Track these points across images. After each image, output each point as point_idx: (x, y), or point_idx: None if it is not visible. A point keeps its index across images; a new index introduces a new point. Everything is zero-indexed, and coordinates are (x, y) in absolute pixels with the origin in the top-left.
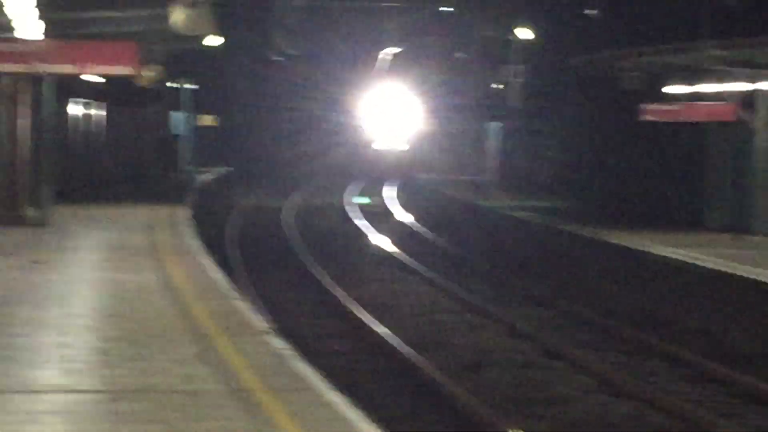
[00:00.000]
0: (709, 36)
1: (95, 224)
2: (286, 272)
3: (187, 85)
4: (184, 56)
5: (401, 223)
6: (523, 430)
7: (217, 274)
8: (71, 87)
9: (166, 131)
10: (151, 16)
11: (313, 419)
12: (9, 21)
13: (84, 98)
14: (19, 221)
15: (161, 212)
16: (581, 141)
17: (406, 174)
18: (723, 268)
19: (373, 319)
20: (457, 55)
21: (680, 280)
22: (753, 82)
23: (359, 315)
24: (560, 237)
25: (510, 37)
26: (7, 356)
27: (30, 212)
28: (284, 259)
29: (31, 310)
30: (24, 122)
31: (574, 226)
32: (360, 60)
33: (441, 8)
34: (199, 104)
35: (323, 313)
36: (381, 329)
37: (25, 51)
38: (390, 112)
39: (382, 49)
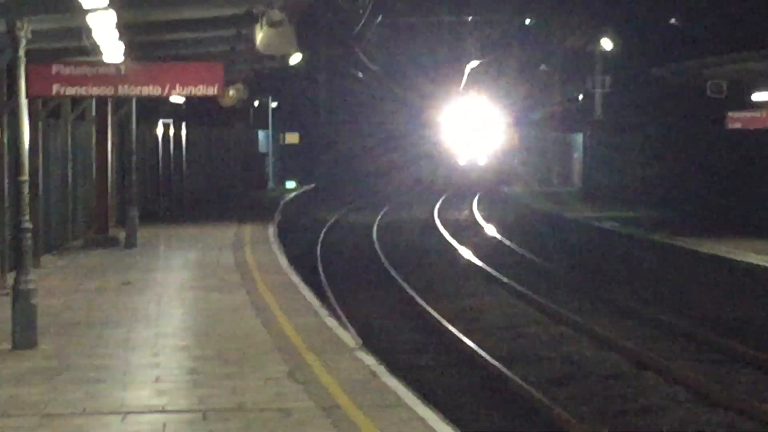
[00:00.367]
0: None
1: (183, 244)
2: (373, 287)
3: (271, 104)
4: (266, 74)
5: (486, 236)
6: None
7: (306, 291)
8: (157, 108)
9: (253, 149)
10: (235, 37)
11: None
12: (94, 45)
13: (170, 119)
14: (108, 243)
15: (248, 230)
16: (666, 151)
17: (490, 187)
18: None
19: (460, 334)
20: (540, 67)
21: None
22: None
23: (448, 329)
24: (646, 247)
25: (592, 48)
26: (100, 377)
27: (118, 233)
28: (371, 273)
29: (123, 331)
30: (112, 143)
31: (661, 235)
32: (443, 74)
33: (524, 20)
34: (282, 122)
35: (412, 327)
36: (469, 343)
37: (111, 74)
38: (472, 125)
39: (465, 63)
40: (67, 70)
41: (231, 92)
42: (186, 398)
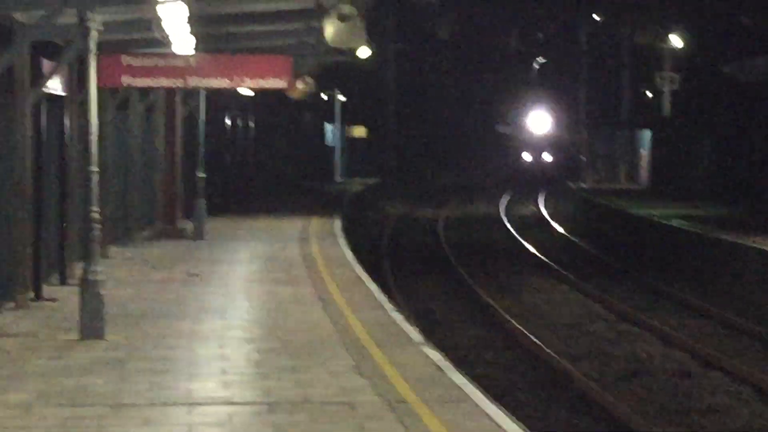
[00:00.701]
0: None
1: (250, 236)
2: (439, 280)
3: (338, 97)
4: (334, 68)
5: (552, 232)
6: None
7: (371, 285)
8: (226, 101)
9: (321, 143)
10: (303, 30)
11: (470, 430)
12: (164, 36)
13: (238, 111)
14: (175, 234)
15: (315, 223)
16: (736, 148)
17: (557, 182)
18: None
19: (525, 330)
20: (608, 63)
21: None
22: None
23: (513, 325)
24: (715, 245)
25: (662, 45)
26: (167, 369)
27: (186, 225)
28: (436, 267)
29: (189, 323)
30: (180, 136)
31: (730, 234)
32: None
33: (592, 15)
34: (349, 115)
35: (477, 323)
36: (533, 340)
37: (180, 65)
38: (539, 122)
39: (532, 60)
40: (137, 62)
41: (299, 85)
42: (252, 390)
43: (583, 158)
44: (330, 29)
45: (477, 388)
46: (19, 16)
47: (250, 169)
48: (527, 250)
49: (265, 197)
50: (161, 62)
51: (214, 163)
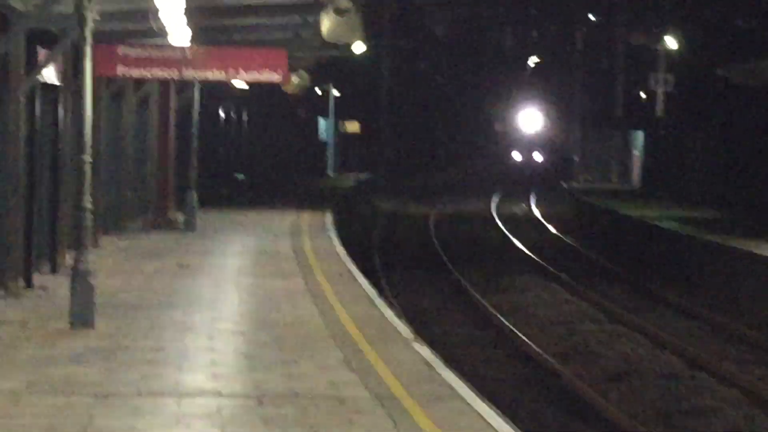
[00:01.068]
0: None
1: (241, 229)
2: (429, 277)
3: (333, 91)
4: (329, 63)
5: (544, 231)
6: None
7: (362, 280)
8: (220, 93)
9: (314, 137)
10: (299, 24)
11: (459, 428)
12: (161, 27)
13: (232, 104)
14: (167, 225)
15: (306, 217)
16: (730, 151)
17: (548, 182)
18: None
19: (517, 324)
20: (602, 63)
21: None
22: None
23: (503, 323)
24: (706, 248)
25: (656, 47)
26: (157, 359)
27: (177, 217)
28: (427, 264)
29: (180, 314)
30: (173, 127)
31: (721, 237)
32: (504, 70)
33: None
34: (343, 110)
35: (466, 321)
36: (523, 338)
37: (175, 57)
38: (530, 121)
39: (527, 59)
40: (132, 52)
41: (294, 79)
42: (241, 383)
43: (576, 158)
44: (326, 23)
45: (466, 385)
46: (15, 3)
47: (244, 163)
48: (518, 248)
49: (257, 191)
50: (157, 53)
51: (207, 156)
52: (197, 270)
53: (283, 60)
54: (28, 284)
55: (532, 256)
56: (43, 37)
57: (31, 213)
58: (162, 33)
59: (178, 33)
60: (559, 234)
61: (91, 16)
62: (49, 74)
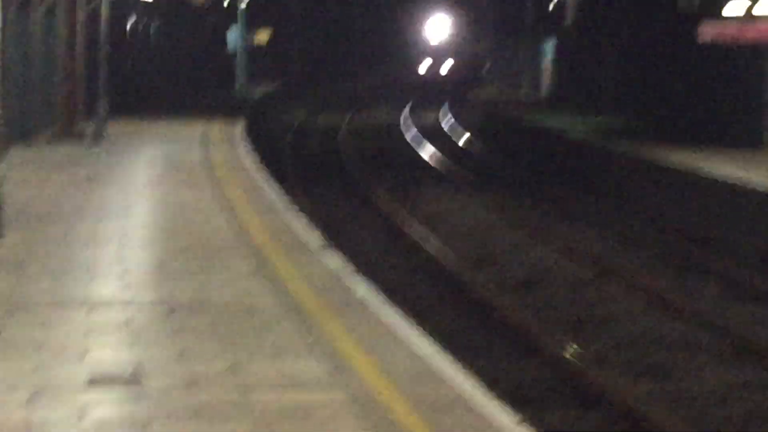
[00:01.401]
0: None
1: (151, 139)
2: (340, 187)
3: (242, 2)
4: None
5: (452, 143)
6: (575, 347)
7: (272, 190)
8: (129, 2)
9: (223, 48)
10: None
11: (368, 335)
12: None
13: (142, 13)
14: (75, 136)
15: (216, 128)
16: (638, 60)
17: (459, 93)
18: None
19: (427, 234)
20: None
21: (735, 200)
22: None
23: (413, 233)
24: (614, 157)
25: None
26: (67, 270)
27: (86, 127)
28: (338, 174)
29: (90, 224)
30: (81, 37)
31: (629, 145)
32: None
33: None
34: (252, 20)
35: (375, 231)
36: (435, 246)
37: None
38: (440, 31)
39: None
40: None
41: None
42: (152, 292)
43: (485, 68)
44: None
45: (376, 294)
46: None
47: (153, 73)
48: (427, 160)
49: (168, 101)
50: None
51: (116, 66)
52: (107, 181)
53: None
54: None
55: (441, 168)
56: None
57: None
58: None
59: None
60: (467, 146)
61: None
62: None
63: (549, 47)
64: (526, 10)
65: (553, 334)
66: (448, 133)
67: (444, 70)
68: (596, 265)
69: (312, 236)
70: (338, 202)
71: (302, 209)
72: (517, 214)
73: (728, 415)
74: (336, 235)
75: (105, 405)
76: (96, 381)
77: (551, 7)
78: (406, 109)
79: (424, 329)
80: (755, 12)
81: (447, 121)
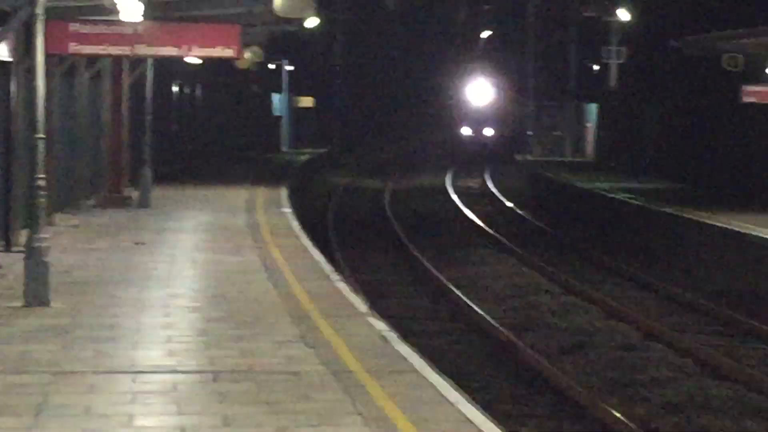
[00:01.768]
0: None
1: (196, 205)
2: (384, 252)
3: (286, 67)
4: (282, 37)
5: (499, 205)
6: (621, 412)
7: (317, 255)
8: (173, 69)
9: (268, 112)
10: None
11: (415, 400)
12: (112, 3)
13: (185, 80)
14: (121, 203)
15: (261, 193)
16: (682, 123)
17: (503, 157)
18: None
19: (473, 300)
20: (556, 36)
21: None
22: None
23: (458, 296)
24: (659, 219)
25: (609, 18)
26: (113, 336)
27: (132, 194)
28: (383, 238)
29: (135, 291)
30: (126, 103)
31: (675, 207)
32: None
33: None
34: (298, 85)
35: (422, 294)
36: (479, 311)
37: (128, 33)
38: (483, 95)
39: (479, 32)
40: (84, 29)
41: (247, 54)
42: (196, 359)
43: (529, 132)
44: None
45: (422, 358)
46: None
47: (197, 139)
48: (473, 222)
49: (211, 167)
50: (109, 30)
51: (160, 132)
52: (153, 247)
53: (236, 35)
54: None
55: (487, 229)
56: None
57: None
58: (114, 9)
59: (130, 9)
60: (514, 207)
61: None
62: (1, 51)
63: (592, 111)
64: (569, 74)
65: (600, 397)
66: (495, 196)
67: (487, 133)
68: (641, 328)
69: (357, 300)
70: (384, 266)
71: (347, 273)
72: (565, 276)
73: None
74: (381, 299)
75: None
76: None
77: (594, 70)
78: (451, 173)
79: (471, 395)
80: None
81: (492, 184)
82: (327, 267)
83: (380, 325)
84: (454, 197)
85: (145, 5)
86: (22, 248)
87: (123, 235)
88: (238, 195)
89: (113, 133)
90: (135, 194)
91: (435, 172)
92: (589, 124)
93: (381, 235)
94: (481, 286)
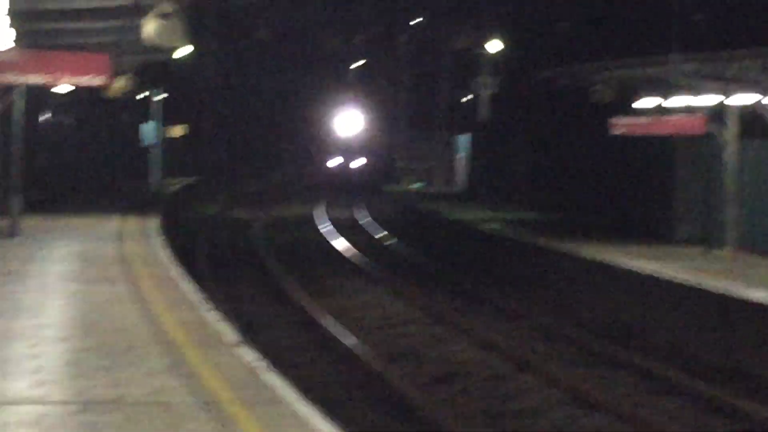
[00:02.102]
0: (679, 50)
1: (65, 235)
2: (254, 280)
3: (156, 97)
4: (153, 66)
5: (367, 236)
6: None
7: (187, 285)
8: (41, 98)
9: (137, 142)
10: (123, 28)
11: (285, 430)
12: None
13: (54, 109)
14: None
15: (131, 223)
16: (551, 154)
17: (372, 187)
18: (691, 281)
19: (343, 331)
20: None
21: (648, 293)
22: (722, 95)
23: (329, 327)
24: (529, 250)
25: (480, 50)
26: None
27: (1, 222)
28: (252, 268)
29: (2, 321)
30: None
31: (544, 239)
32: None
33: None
34: (167, 114)
35: (293, 324)
36: (351, 341)
37: None
38: (351, 126)
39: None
40: None
41: (117, 84)
42: (65, 389)
43: (396, 159)
44: (150, 27)
45: (291, 389)
46: None
47: (67, 168)
48: (342, 253)
49: (82, 196)
50: None
51: (30, 161)
52: (21, 276)
53: (106, 64)
54: None
55: (357, 261)
56: None
57: None
58: None
59: (2, 36)
60: (383, 239)
61: None
62: None
63: (462, 142)
64: (439, 105)
65: (470, 426)
66: (363, 228)
67: (355, 164)
68: (511, 359)
69: (227, 331)
70: (254, 296)
71: (217, 304)
72: (435, 307)
73: None
74: (251, 330)
75: None
76: None
77: (464, 102)
78: (320, 203)
79: (340, 425)
80: (665, 105)
81: (361, 215)
82: (197, 297)
83: (250, 356)
84: (328, 227)
85: (16, 32)
86: None
87: None
88: (108, 224)
89: None
90: (4, 223)
91: (304, 203)
92: (459, 155)
93: (251, 265)
94: (353, 317)
